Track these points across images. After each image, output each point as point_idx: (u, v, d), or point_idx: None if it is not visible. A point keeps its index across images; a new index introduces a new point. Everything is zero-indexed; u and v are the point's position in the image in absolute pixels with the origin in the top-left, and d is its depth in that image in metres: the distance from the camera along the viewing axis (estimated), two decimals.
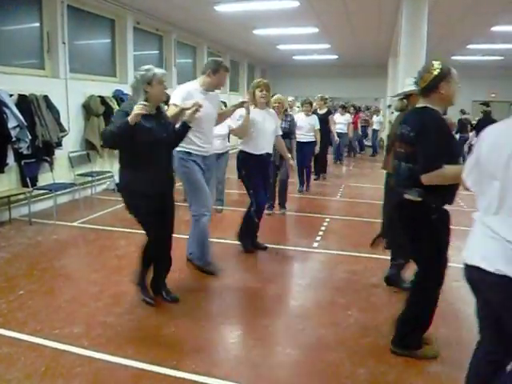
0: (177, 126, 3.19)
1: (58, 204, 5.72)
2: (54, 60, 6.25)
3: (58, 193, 5.76)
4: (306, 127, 7.15)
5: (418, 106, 2.47)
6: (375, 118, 13.67)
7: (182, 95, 3.50)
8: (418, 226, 2.45)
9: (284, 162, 6.05)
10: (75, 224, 5.31)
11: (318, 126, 7.30)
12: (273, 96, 6.37)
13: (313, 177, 8.38)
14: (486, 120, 9.51)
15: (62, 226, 5.22)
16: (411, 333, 2.55)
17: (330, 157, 10.22)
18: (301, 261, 4.43)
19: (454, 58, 12.62)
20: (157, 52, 9.53)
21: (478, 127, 10.08)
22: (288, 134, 6.04)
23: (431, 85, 2.34)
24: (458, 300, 3.33)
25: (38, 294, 3.34)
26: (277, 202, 6.08)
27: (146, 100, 2.86)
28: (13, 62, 5.71)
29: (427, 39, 5.96)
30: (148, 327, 2.90)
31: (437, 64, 2.36)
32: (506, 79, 14.23)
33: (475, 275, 1.68)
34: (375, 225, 4.53)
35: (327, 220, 5.66)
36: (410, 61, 5.97)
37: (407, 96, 3.36)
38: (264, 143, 4.20)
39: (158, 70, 2.96)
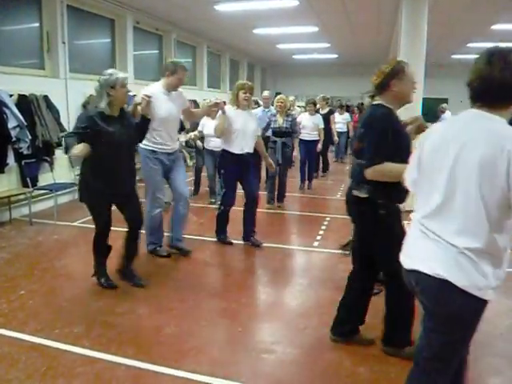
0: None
1: (59, 204, 5.72)
2: (53, 60, 6.25)
3: (59, 193, 5.75)
4: (310, 126, 7.29)
5: (373, 103, 2.47)
6: None
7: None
8: (367, 223, 2.48)
9: (284, 159, 6.14)
10: (76, 224, 5.31)
11: (322, 125, 7.45)
12: (276, 95, 6.54)
13: (320, 174, 9.00)
14: None
15: (63, 226, 5.22)
16: (399, 331, 2.55)
17: (330, 155, 10.24)
18: (301, 260, 4.43)
19: (454, 56, 12.62)
20: (157, 51, 9.53)
21: None
22: (289, 132, 6.21)
23: (383, 82, 2.34)
24: None
25: (39, 294, 3.34)
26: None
27: (109, 103, 3.09)
28: (13, 61, 5.70)
29: (427, 38, 5.95)
30: (149, 327, 2.90)
31: (390, 62, 2.37)
32: None
33: (413, 278, 1.59)
34: None
35: (327, 219, 5.65)
36: (410, 60, 5.94)
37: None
38: (243, 143, 4.30)
39: (121, 74, 3.18)
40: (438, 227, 1.50)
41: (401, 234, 2.37)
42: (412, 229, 1.66)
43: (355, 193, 2.46)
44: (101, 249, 3.45)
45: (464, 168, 1.43)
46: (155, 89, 3.89)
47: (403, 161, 2.03)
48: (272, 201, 6.25)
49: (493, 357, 2.62)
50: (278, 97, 6.26)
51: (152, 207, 4.03)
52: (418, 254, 1.57)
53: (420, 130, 2.84)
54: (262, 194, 7.19)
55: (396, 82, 2.33)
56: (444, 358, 1.57)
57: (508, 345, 2.76)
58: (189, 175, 8.74)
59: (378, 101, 2.42)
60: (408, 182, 1.75)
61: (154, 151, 3.92)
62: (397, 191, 2.29)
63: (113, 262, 3.51)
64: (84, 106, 6.64)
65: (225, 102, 4.32)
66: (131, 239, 3.48)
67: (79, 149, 2.96)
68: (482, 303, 1.46)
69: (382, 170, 2.24)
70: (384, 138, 2.25)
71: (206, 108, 4.35)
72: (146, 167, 3.99)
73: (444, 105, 10.92)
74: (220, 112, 4.23)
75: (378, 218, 2.39)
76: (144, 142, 3.86)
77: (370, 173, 2.28)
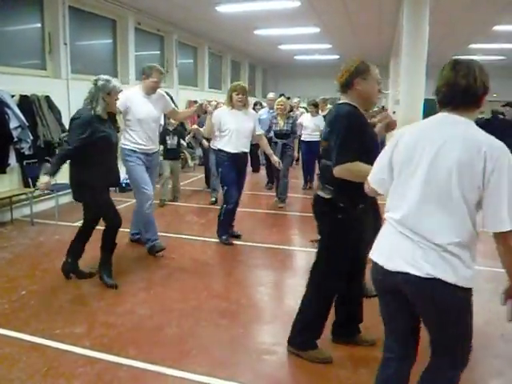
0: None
1: (60, 204, 5.73)
2: (55, 60, 6.26)
3: (60, 193, 5.75)
4: (312, 127, 7.34)
5: (338, 102, 2.45)
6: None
7: (121, 100, 3.75)
8: (323, 223, 2.48)
9: (285, 160, 6.18)
10: (77, 224, 5.28)
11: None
12: (280, 96, 6.66)
13: None
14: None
15: (64, 226, 5.23)
16: (304, 331, 2.55)
17: None
18: (303, 261, 4.43)
19: (455, 57, 12.61)
20: (158, 52, 9.54)
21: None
22: (290, 134, 6.42)
23: (348, 80, 2.32)
24: None
25: (40, 294, 3.35)
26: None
27: (104, 108, 3.26)
28: (14, 62, 5.72)
29: (428, 39, 5.95)
30: (150, 327, 2.90)
31: (355, 60, 2.35)
32: (508, 79, 14.20)
33: (400, 280, 1.60)
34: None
35: None
36: (412, 61, 5.96)
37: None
38: (238, 143, 4.37)
39: (117, 83, 3.40)
40: (418, 227, 1.56)
41: (357, 240, 2.42)
42: (388, 229, 1.69)
43: (319, 193, 2.46)
44: (113, 245, 3.52)
45: (442, 169, 1.51)
46: (132, 91, 4.12)
47: (369, 160, 1.99)
48: (285, 200, 6.31)
49: (494, 358, 2.61)
50: (278, 100, 6.43)
51: (142, 202, 4.11)
52: (402, 255, 1.59)
53: (389, 127, 2.89)
54: (264, 195, 7.21)
55: (360, 81, 2.30)
56: (453, 348, 1.67)
57: (509, 346, 2.76)
58: (190, 175, 8.77)
59: (343, 100, 2.39)
60: (373, 182, 1.79)
61: (133, 150, 4.07)
62: (357, 194, 2.22)
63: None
64: None
65: (218, 103, 4.51)
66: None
67: (45, 181, 3.11)
68: (471, 291, 1.58)
69: (351, 169, 2.18)
70: (351, 136, 2.21)
71: (192, 110, 4.56)
72: (128, 165, 4.13)
73: None
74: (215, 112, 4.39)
75: (335, 221, 2.37)
76: (123, 141, 4.10)
77: (339, 171, 2.21)
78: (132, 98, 4.00)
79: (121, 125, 4.08)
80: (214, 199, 6.44)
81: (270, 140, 6.15)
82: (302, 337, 2.56)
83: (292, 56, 13.99)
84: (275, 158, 4.81)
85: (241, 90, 4.33)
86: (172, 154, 6.45)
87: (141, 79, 4.20)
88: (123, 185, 6.55)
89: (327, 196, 2.39)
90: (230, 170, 4.41)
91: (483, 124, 10.62)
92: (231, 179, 4.43)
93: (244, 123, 4.38)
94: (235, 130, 4.33)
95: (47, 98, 5.78)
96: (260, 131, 4.63)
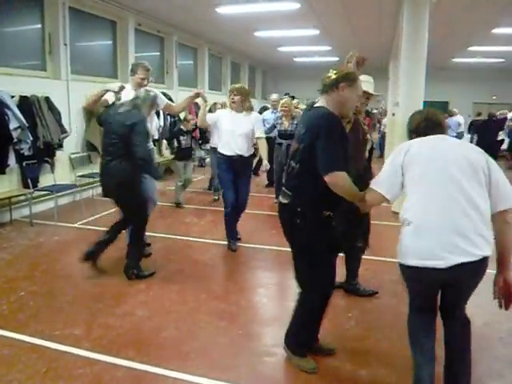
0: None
1: (59, 205, 5.73)
2: (55, 61, 6.27)
3: (59, 194, 5.76)
4: None
5: (315, 105, 2.40)
6: (384, 121, 13.62)
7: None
8: (287, 232, 2.43)
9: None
10: (76, 225, 5.32)
11: None
12: (285, 95, 6.64)
13: None
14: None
15: (63, 227, 5.23)
16: (293, 337, 2.53)
17: None
18: None
19: (454, 60, 12.63)
20: (158, 53, 9.55)
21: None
22: (294, 134, 6.36)
23: (335, 81, 2.28)
24: None
25: (39, 295, 3.34)
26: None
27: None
28: (14, 63, 5.72)
29: (428, 41, 5.97)
30: (149, 329, 2.90)
31: (349, 68, 2.39)
32: (507, 81, 14.23)
33: (453, 273, 1.88)
34: (377, 227, 4.52)
35: None
36: (411, 63, 5.98)
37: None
38: (233, 145, 4.26)
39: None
40: (450, 222, 1.89)
41: (325, 247, 2.35)
42: (414, 232, 1.95)
43: (280, 198, 2.43)
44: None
45: (459, 171, 1.93)
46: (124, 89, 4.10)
47: (347, 167, 2.21)
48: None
49: (493, 360, 2.61)
50: (282, 101, 6.45)
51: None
52: (450, 250, 1.86)
53: (359, 64, 3.01)
54: (265, 196, 7.21)
55: (345, 86, 2.27)
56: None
57: (508, 348, 2.76)
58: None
59: (321, 103, 2.34)
60: (384, 188, 2.09)
61: None
62: (326, 201, 2.25)
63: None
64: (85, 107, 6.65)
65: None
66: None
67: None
68: None
69: (345, 179, 2.16)
70: (339, 141, 2.19)
71: (187, 99, 4.40)
72: None
73: (455, 109, 11.83)
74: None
75: (296, 227, 2.32)
76: None
77: (335, 178, 2.15)
78: (124, 95, 3.93)
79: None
80: (216, 197, 6.71)
81: (273, 140, 6.21)
82: (292, 342, 2.55)
83: (291, 58, 14.00)
84: (265, 162, 4.54)
85: (234, 90, 4.25)
86: (186, 152, 6.50)
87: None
88: None
89: (285, 201, 2.36)
90: (226, 173, 4.32)
91: (481, 124, 10.79)
92: (227, 182, 4.33)
93: (241, 126, 4.24)
94: (230, 132, 4.24)
95: (47, 98, 5.78)
96: (260, 134, 4.41)
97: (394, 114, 8.45)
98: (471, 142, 11.05)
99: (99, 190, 7.05)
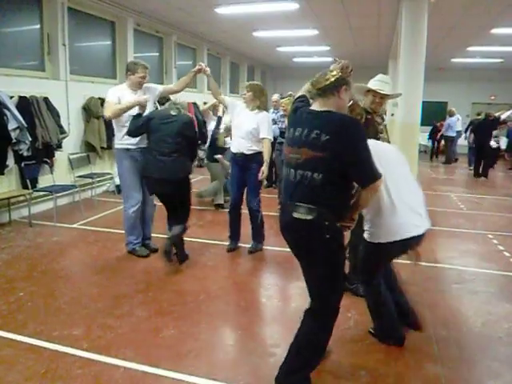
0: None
1: (58, 206, 5.72)
2: (54, 62, 6.26)
3: (58, 194, 5.76)
4: None
5: (319, 109, 2.17)
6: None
7: (117, 94, 3.98)
8: (311, 249, 2.17)
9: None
10: (75, 226, 5.31)
11: None
12: (283, 98, 6.67)
13: None
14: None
15: (62, 227, 5.22)
16: (301, 368, 2.26)
17: None
18: None
19: (453, 60, 12.64)
20: (157, 54, 9.54)
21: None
22: None
23: (337, 83, 2.16)
24: (457, 301, 3.32)
25: (38, 296, 3.34)
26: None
27: None
28: (13, 63, 5.71)
29: (427, 41, 5.97)
30: (148, 329, 2.90)
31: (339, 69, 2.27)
32: (506, 82, 14.24)
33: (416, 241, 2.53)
34: None
35: None
36: (410, 63, 5.98)
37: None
38: (236, 142, 4.28)
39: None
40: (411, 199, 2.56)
41: (342, 261, 2.27)
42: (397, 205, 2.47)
43: (296, 215, 2.11)
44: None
45: (404, 163, 2.68)
46: (120, 88, 4.11)
47: None
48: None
49: (492, 360, 2.61)
50: (283, 100, 6.47)
51: (127, 206, 4.14)
52: (418, 219, 2.53)
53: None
54: (265, 196, 7.20)
55: (344, 91, 2.18)
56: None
57: (507, 348, 2.76)
58: (190, 176, 8.76)
59: (321, 106, 2.17)
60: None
61: (127, 149, 4.06)
62: (346, 209, 2.21)
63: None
64: (84, 108, 6.66)
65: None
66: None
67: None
68: None
69: (377, 188, 2.17)
70: (368, 146, 2.11)
71: (188, 75, 4.62)
72: (120, 166, 4.17)
73: (453, 108, 12.39)
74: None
75: (322, 244, 2.11)
76: (117, 141, 4.11)
77: (378, 186, 2.13)
78: (122, 95, 3.99)
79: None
80: (227, 197, 6.58)
81: (274, 140, 6.18)
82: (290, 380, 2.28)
83: (290, 58, 14.01)
84: (263, 167, 4.23)
85: (246, 86, 4.31)
86: (220, 152, 6.23)
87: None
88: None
89: (309, 217, 2.08)
90: (233, 169, 4.35)
91: (479, 123, 10.85)
92: (232, 178, 4.39)
93: (245, 123, 4.18)
94: (236, 128, 4.28)
95: (46, 99, 5.78)
96: (265, 135, 4.19)
97: (393, 115, 8.46)
98: (468, 141, 11.17)
99: (98, 190, 7.11)
